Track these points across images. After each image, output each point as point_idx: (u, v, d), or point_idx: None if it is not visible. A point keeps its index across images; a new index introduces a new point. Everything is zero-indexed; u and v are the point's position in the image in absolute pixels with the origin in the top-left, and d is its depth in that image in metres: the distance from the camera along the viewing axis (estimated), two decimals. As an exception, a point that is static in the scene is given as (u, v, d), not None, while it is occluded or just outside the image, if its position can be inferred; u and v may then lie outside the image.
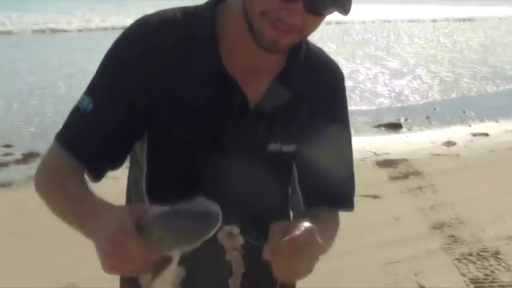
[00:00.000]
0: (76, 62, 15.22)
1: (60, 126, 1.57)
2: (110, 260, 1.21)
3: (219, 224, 1.20)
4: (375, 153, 8.51)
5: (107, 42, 1.64)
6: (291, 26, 1.40)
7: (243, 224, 1.36)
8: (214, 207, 1.20)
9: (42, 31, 22.15)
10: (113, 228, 1.20)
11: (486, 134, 9.90)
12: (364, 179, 7.01)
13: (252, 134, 1.57)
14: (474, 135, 9.85)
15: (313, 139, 1.63)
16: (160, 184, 1.59)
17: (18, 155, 8.18)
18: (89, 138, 1.51)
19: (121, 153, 1.58)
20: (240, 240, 1.33)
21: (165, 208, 1.23)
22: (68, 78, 13.36)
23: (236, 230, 1.32)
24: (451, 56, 20.09)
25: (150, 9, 1.69)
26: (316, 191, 1.65)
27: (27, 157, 8.02)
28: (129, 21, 1.79)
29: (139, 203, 1.50)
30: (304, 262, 1.31)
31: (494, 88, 14.86)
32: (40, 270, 4.83)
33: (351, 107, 11.08)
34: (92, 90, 1.53)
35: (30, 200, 6.27)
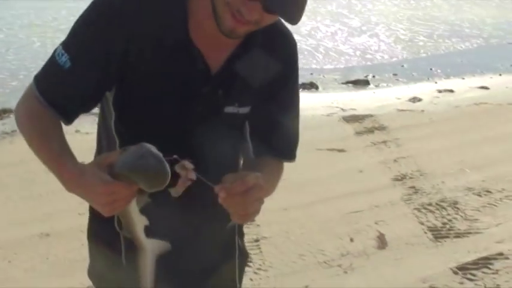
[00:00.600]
0: (46, 20, 15.16)
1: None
2: (107, 207, 1.54)
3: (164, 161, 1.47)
4: (341, 108, 8.67)
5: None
6: (249, 20, 1.56)
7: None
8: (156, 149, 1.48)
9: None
10: (98, 185, 1.50)
11: (451, 91, 10.09)
12: (330, 134, 7.30)
13: (211, 97, 1.75)
14: (440, 91, 10.04)
15: (266, 101, 1.84)
16: (128, 128, 1.78)
17: (-10, 112, 8.30)
18: (66, 92, 1.69)
19: (93, 103, 1.77)
20: (193, 174, 1.52)
21: (127, 154, 1.49)
22: (40, 35, 13.34)
23: (190, 164, 1.51)
24: (421, 14, 20.30)
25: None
26: (264, 144, 1.87)
27: (0, 113, 8.11)
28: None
29: (102, 156, 1.66)
30: (252, 203, 1.57)
31: (462, 46, 15.07)
32: (14, 222, 4.98)
33: (322, 65, 11.29)
34: (69, 46, 1.68)
35: (4, 155, 6.43)
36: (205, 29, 1.67)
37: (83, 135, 7.18)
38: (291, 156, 1.94)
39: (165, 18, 1.67)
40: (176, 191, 1.55)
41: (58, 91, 1.69)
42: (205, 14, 1.63)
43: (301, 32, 13.64)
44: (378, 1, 23.16)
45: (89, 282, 2.12)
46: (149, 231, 1.64)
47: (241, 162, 1.95)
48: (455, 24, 18.37)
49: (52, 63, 1.69)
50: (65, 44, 1.68)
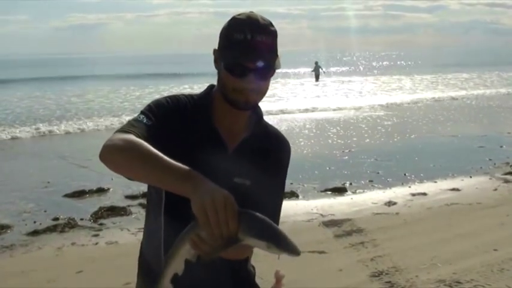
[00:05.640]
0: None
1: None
2: (209, 205, 1.78)
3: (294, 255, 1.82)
4: (321, 214, 9.20)
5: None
6: (251, 90, 2.27)
7: None
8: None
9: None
10: (228, 193, 1.82)
11: (424, 194, 10.69)
12: (310, 238, 7.80)
13: (227, 170, 2.35)
14: (413, 195, 10.63)
15: (262, 180, 2.43)
16: None
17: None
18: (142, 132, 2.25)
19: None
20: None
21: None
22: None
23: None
24: (395, 122, 21.14)
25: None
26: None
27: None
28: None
29: None
30: None
31: (435, 151, 15.65)
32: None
33: (301, 175, 11.83)
34: (146, 114, 2.32)
35: (6, 267, 6.90)
36: (224, 118, 2.38)
37: (79, 247, 7.66)
38: None
39: (200, 114, 2.39)
40: None
41: (139, 131, 2.21)
42: (222, 107, 2.36)
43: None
44: (351, 119, 24.16)
45: None
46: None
47: None
48: (427, 130, 19.21)
49: (135, 119, 2.29)
50: (144, 113, 2.33)
